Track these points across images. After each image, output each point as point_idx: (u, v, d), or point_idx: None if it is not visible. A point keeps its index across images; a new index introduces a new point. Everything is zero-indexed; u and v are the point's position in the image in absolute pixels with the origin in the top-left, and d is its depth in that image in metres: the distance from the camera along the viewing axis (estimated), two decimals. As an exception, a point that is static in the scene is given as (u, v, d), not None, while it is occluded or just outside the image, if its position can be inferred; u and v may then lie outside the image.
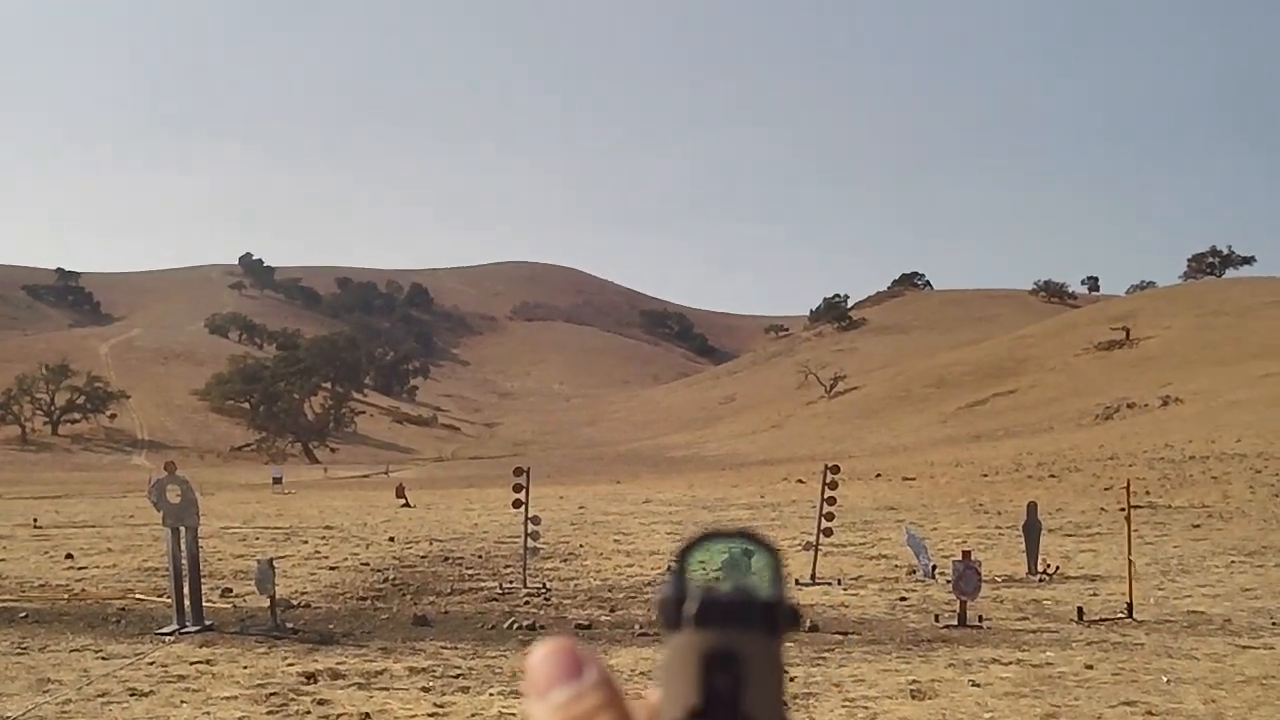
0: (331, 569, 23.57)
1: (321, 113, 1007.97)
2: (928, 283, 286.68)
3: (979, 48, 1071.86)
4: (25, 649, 14.43)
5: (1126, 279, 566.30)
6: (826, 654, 13.91)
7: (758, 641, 0.77)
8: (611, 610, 17.94)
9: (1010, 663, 12.83)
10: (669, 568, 0.84)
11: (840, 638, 15.06)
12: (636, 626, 16.19)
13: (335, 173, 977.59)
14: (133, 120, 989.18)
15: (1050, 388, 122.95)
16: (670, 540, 28.40)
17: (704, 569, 0.83)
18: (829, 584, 20.18)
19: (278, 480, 70.22)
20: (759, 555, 0.85)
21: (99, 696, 11.72)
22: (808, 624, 16.00)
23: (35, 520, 37.49)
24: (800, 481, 46.99)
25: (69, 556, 25.89)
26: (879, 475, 49.12)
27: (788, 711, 0.72)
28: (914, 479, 47.17)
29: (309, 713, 11.06)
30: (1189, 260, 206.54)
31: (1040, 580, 20.37)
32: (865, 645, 14.42)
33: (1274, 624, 15.54)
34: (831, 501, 21.32)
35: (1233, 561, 22.26)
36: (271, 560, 16.53)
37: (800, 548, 24.63)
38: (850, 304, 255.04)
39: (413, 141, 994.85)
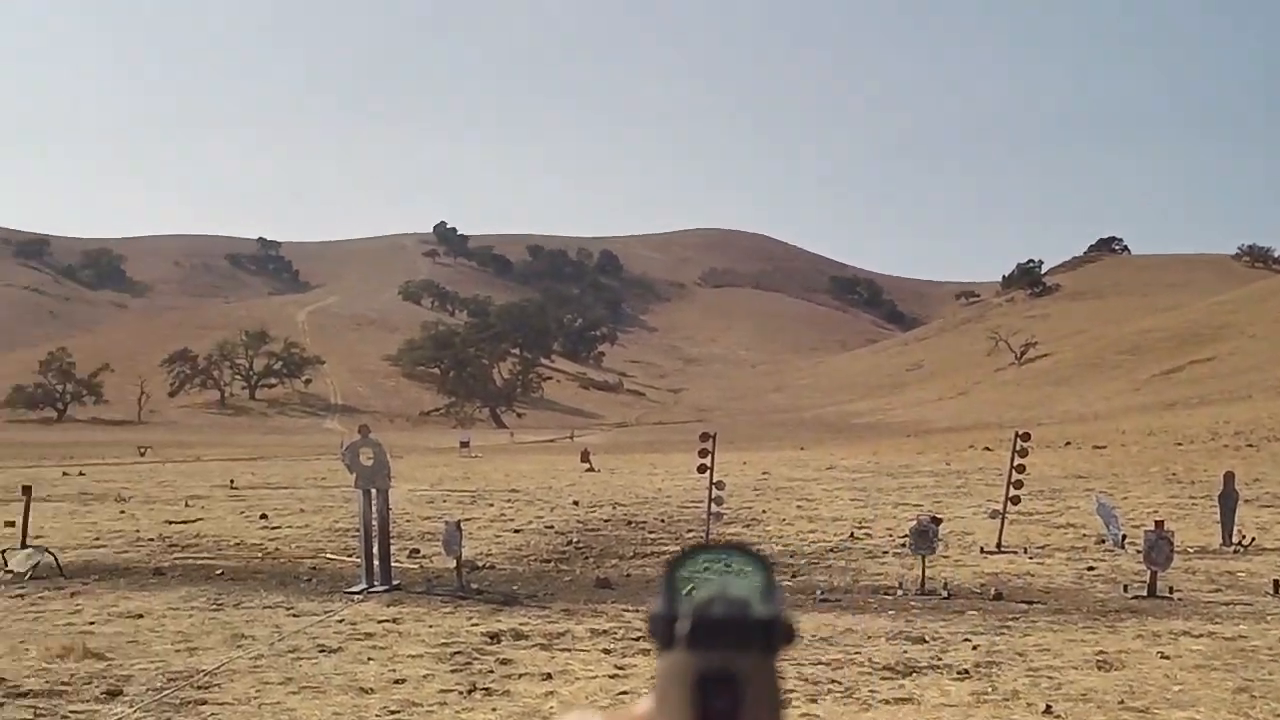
0: (516, 532, 23.88)
1: (513, 87, 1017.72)
2: (1125, 248, 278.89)
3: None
4: (220, 605, 14.88)
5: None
6: (1011, 623, 13.66)
7: (754, 661, 0.73)
8: (793, 576, 17.83)
9: (1201, 635, 12.44)
10: (659, 582, 0.80)
11: (1025, 607, 14.76)
12: (818, 592, 16.09)
13: (529, 144, 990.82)
14: (332, 95, 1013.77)
15: (1251, 355, 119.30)
16: (854, 507, 28.22)
17: (695, 584, 0.79)
18: (1015, 552, 19.85)
19: (465, 444, 71.26)
20: (752, 570, 0.82)
21: (290, 652, 12.03)
22: (993, 592, 15.75)
23: (232, 481, 38.84)
24: (987, 449, 46.27)
25: (263, 517, 26.69)
26: (1069, 443, 48.18)
27: None
28: (1105, 447, 46.17)
29: (492, 672, 11.19)
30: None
31: (1235, 552, 19.77)
32: (1050, 615, 14.11)
33: None
34: (1021, 470, 20.97)
35: None
36: (459, 522, 16.72)
37: (985, 515, 24.32)
38: (1044, 269, 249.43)
39: (605, 114, 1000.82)
